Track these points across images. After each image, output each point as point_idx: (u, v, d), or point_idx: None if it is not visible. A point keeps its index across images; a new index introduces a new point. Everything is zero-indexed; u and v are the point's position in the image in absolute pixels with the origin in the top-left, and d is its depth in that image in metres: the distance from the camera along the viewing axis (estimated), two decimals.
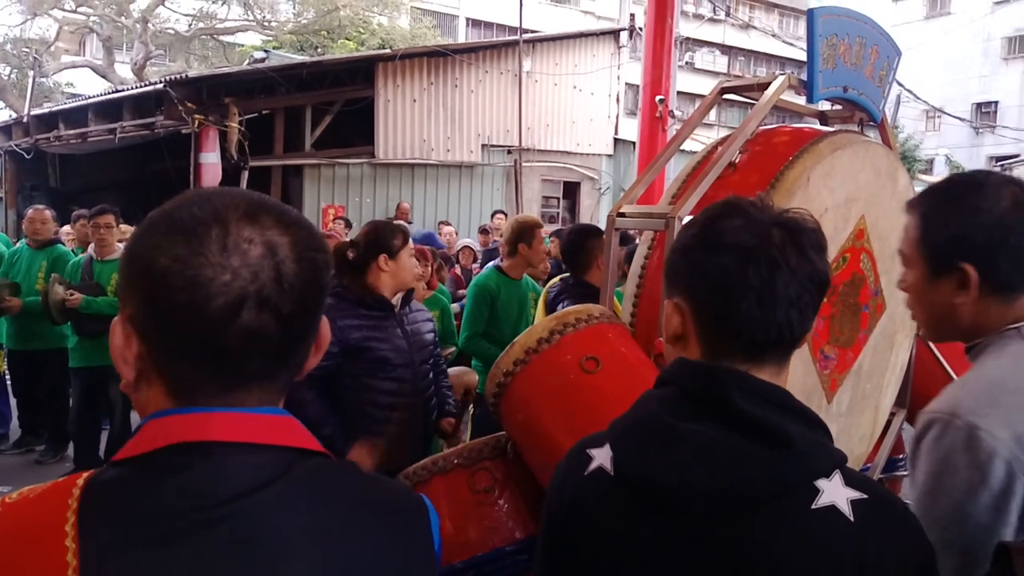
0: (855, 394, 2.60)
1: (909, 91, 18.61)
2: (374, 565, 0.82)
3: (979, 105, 33.12)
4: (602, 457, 1.08)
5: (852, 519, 0.94)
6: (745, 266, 1.00)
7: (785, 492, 0.96)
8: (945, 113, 26.75)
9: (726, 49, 32.95)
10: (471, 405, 4.27)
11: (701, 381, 1.02)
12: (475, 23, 31.04)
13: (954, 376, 2.87)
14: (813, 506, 0.95)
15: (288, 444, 0.82)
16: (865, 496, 0.97)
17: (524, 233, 4.41)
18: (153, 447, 0.78)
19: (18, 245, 6.30)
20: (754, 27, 22.28)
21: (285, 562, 0.77)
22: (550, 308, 3.89)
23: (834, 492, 0.96)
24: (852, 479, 0.99)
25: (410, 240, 3.08)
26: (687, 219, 2.16)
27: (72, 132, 13.34)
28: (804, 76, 2.40)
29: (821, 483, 0.97)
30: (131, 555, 0.74)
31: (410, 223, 11.50)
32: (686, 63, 27.78)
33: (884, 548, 0.94)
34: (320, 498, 0.82)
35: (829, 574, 0.93)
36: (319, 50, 22.22)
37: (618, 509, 1.04)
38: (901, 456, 3.30)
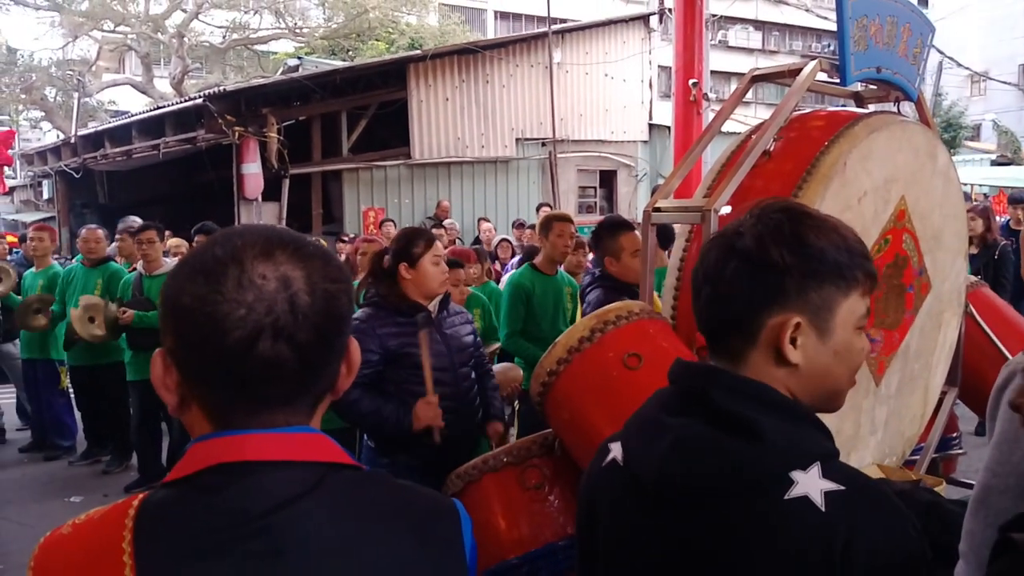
0: (904, 375, 2.58)
1: (951, 58, 18.05)
2: (403, 571, 0.88)
3: None
4: (616, 450, 1.15)
5: (823, 509, 0.96)
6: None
7: (758, 483, 0.99)
8: (989, 78, 25.89)
9: (759, 25, 32.34)
10: (516, 401, 4.31)
11: (687, 379, 1.10)
12: (503, 15, 31.00)
13: (1005, 352, 2.83)
14: (785, 497, 0.98)
15: (320, 459, 0.88)
16: (842, 488, 0.98)
17: (543, 227, 4.47)
18: (197, 468, 0.85)
19: (72, 263, 6.50)
20: (786, 2, 21.82)
21: (316, 571, 0.83)
22: (582, 299, 3.97)
23: (809, 484, 0.98)
24: (832, 472, 1.00)
25: (435, 246, 2.96)
26: (723, 211, 2.17)
27: (118, 150, 13.72)
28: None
29: (796, 475, 0.99)
30: (179, 569, 0.81)
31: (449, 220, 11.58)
32: (719, 42, 27.36)
33: (855, 538, 0.94)
34: (350, 508, 0.87)
35: (795, 562, 0.96)
36: (350, 53, 22.40)
37: (626, 498, 1.11)
38: (954, 435, 3.25)
